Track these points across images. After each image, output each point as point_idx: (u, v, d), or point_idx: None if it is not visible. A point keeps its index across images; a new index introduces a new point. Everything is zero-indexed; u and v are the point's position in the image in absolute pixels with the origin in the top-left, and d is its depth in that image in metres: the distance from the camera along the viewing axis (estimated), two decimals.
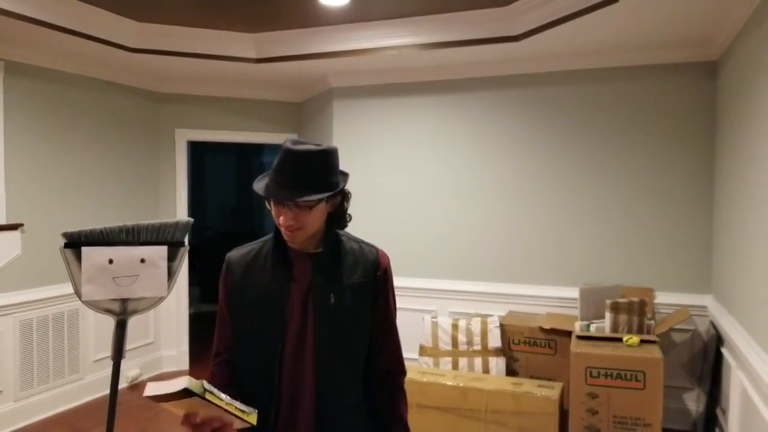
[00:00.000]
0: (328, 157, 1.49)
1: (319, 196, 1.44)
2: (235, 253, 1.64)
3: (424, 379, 3.70)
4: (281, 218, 1.45)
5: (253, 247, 1.64)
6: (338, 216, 1.60)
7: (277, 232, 1.56)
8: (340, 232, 1.64)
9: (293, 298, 1.53)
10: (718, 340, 3.56)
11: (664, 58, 3.98)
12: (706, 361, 3.88)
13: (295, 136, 5.63)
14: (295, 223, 1.46)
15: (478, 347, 4.02)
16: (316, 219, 1.50)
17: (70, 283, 1.78)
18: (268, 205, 1.51)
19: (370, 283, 1.58)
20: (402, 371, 1.68)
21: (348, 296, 1.54)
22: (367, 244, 1.65)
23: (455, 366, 4.04)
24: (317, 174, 1.46)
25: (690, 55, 3.92)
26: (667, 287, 4.02)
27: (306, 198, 1.42)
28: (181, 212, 5.38)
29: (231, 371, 1.60)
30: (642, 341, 3.37)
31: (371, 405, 1.62)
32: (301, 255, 1.56)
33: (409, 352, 4.39)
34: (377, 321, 1.61)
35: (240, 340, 1.58)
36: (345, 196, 1.60)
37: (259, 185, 1.50)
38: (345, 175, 1.57)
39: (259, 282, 1.56)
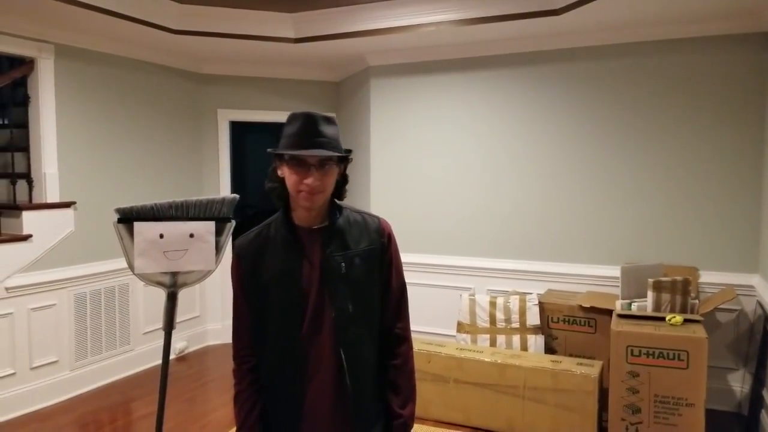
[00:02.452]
0: (335, 120, 1.60)
1: (343, 154, 1.56)
2: (243, 240, 1.67)
3: (462, 355, 3.73)
4: (309, 179, 1.49)
5: (259, 230, 1.67)
6: (341, 184, 1.65)
7: (285, 211, 1.62)
8: (342, 204, 1.69)
9: (307, 273, 1.58)
10: (766, 320, 3.48)
11: (713, 29, 3.84)
12: (752, 342, 3.80)
13: (333, 116, 5.66)
14: (320, 185, 1.51)
15: (516, 325, 4.03)
16: (332, 182, 1.58)
17: (121, 258, 1.86)
18: (278, 173, 1.57)
19: (377, 249, 1.65)
20: (405, 336, 1.72)
21: (358, 264, 1.61)
22: (369, 214, 1.72)
23: (493, 343, 4.06)
24: (332, 134, 1.55)
25: (741, 26, 3.77)
26: (712, 266, 3.93)
27: (337, 154, 1.52)
28: (224, 191, 5.51)
29: (257, 379, 1.65)
30: (686, 320, 3.31)
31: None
32: (309, 231, 1.61)
33: (446, 329, 4.44)
34: (385, 285, 1.68)
35: (260, 324, 1.62)
36: (348, 163, 1.66)
37: (292, 148, 1.53)
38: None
39: (272, 264, 1.60)
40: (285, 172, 1.55)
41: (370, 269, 1.65)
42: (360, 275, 1.62)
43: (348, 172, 1.68)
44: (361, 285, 1.62)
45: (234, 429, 1.65)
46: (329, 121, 1.57)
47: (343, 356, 1.57)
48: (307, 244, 1.60)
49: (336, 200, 1.67)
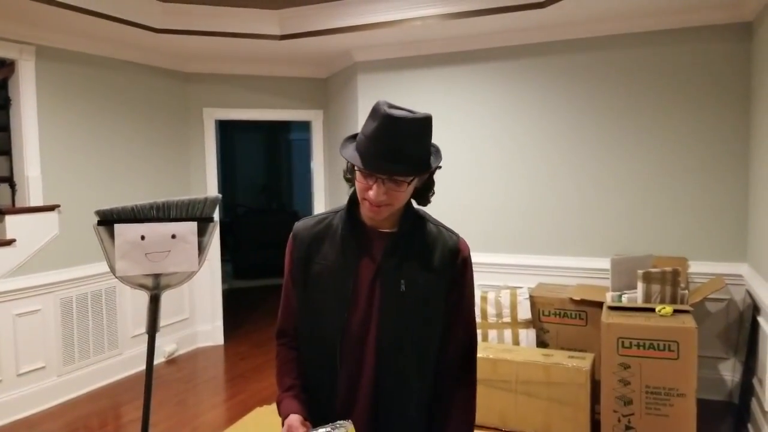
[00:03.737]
0: (428, 126, 1.33)
1: (419, 173, 1.33)
2: (303, 224, 1.53)
3: None
4: (371, 192, 1.31)
5: (323, 217, 1.52)
6: (424, 192, 1.45)
7: (351, 205, 1.45)
8: (420, 212, 1.50)
9: (362, 277, 1.40)
10: (755, 309, 3.49)
11: (697, 20, 3.85)
12: (741, 331, 3.81)
13: (320, 113, 5.64)
14: (386, 199, 1.32)
15: (507, 319, 4.03)
16: (406, 195, 1.38)
17: (105, 261, 1.83)
18: (347, 175, 1.42)
19: (447, 272, 1.43)
20: (471, 380, 1.50)
21: (421, 284, 1.40)
22: (447, 229, 1.51)
23: (485, 338, 4.05)
24: (417, 145, 1.31)
25: (724, 16, 3.77)
26: (701, 256, 3.95)
27: (406, 174, 1.30)
28: (211, 190, 5.46)
29: (295, 352, 1.53)
30: (675, 311, 3.32)
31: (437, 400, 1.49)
32: (375, 233, 1.43)
33: None
34: (450, 318, 1.46)
35: (304, 313, 1.49)
36: (434, 172, 1.44)
37: (350, 153, 1.35)
38: (437, 149, 1.42)
39: (327, 255, 1.45)
40: (356, 175, 1.36)
41: (436, 294, 1.42)
42: (421, 298, 1.40)
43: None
44: (420, 310, 1.40)
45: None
46: (417, 125, 1.30)
47: (381, 389, 1.39)
48: (369, 246, 1.42)
49: (413, 206, 1.47)
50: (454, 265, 1.44)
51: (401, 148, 1.27)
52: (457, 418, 1.47)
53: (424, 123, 1.31)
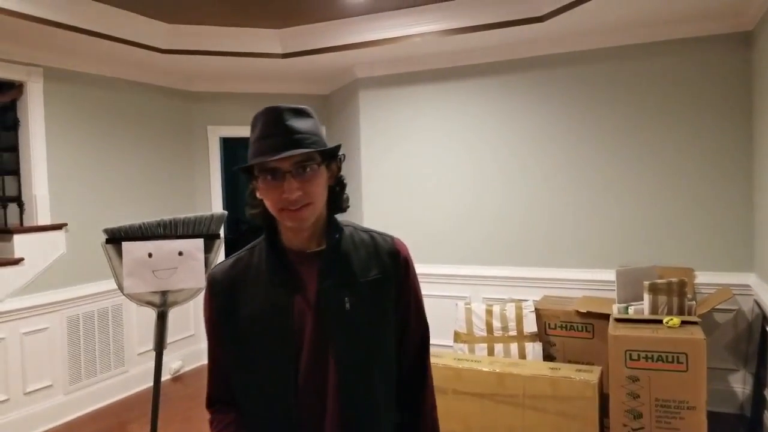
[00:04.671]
0: (308, 110, 1.26)
1: (324, 149, 1.23)
2: (219, 269, 1.34)
3: (460, 366, 3.70)
4: (284, 194, 1.18)
5: (239, 257, 1.34)
6: (338, 192, 1.33)
7: (270, 232, 1.30)
8: (344, 222, 1.37)
9: (300, 311, 1.25)
10: (764, 319, 3.47)
11: (696, 30, 3.87)
12: (751, 342, 3.78)
13: (323, 129, 5.67)
14: (303, 195, 1.19)
15: (513, 332, 4.01)
16: (322, 190, 1.25)
17: (113, 278, 1.85)
18: (255, 195, 1.26)
19: (390, 277, 1.32)
20: (427, 393, 1.42)
21: (366, 297, 1.28)
22: (380, 233, 1.38)
23: (491, 352, 4.03)
24: (312, 129, 1.23)
25: (723, 26, 3.80)
26: (708, 266, 3.93)
27: (314, 150, 1.20)
28: (216, 208, 5.49)
29: (233, 415, 1.33)
30: (683, 322, 3.30)
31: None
32: (303, 256, 1.28)
33: (443, 339, 4.41)
34: (402, 325, 1.36)
35: (241, 373, 1.29)
36: (341, 164, 1.33)
37: (258, 157, 1.20)
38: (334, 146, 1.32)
39: (254, 297, 1.27)
40: (261, 190, 1.23)
41: (383, 305, 1.30)
42: (369, 313, 1.28)
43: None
44: (371, 326, 1.28)
45: None
46: (300, 113, 1.23)
47: (350, 423, 1.24)
48: (301, 273, 1.27)
49: (335, 216, 1.34)
50: (396, 268, 1.33)
51: (294, 131, 1.19)
52: (426, 425, 1.42)
53: (305, 109, 1.25)
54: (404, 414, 1.38)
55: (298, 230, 1.26)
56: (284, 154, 1.16)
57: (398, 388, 1.36)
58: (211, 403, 1.38)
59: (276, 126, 1.20)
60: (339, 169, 1.32)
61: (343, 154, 1.32)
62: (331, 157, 1.28)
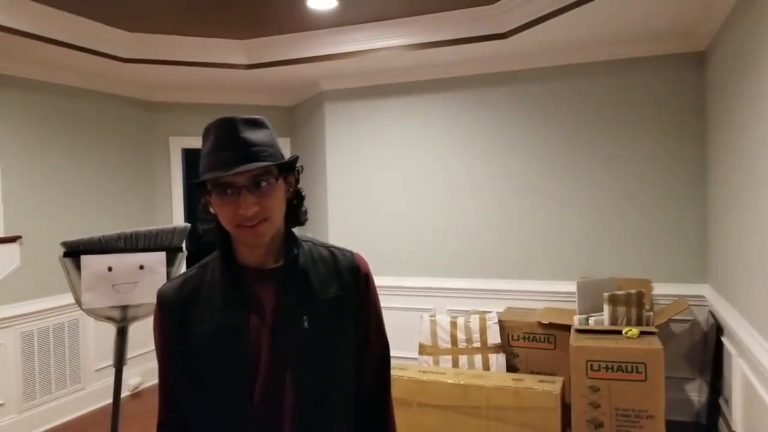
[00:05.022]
0: (263, 121, 1.22)
1: (280, 162, 1.18)
2: (168, 287, 1.28)
3: (425, 378, 3.71)
4: (240, 209, 1.13)
5: (190, 274, 1.29)
6: (296, 205, 1.29)
7: (224, 248, 1.25)
8: (303, 237, 1.34)
9: (256, 331, 1.20)
10: (718, 329, 3.58)
11: (652, 50, 4.01)
12: (706, 351, 3.89)
13: (287, 141, 5.65)
14: (260, 211, 1.15)
15: (477, 344, 4.04)
16: (280, 204, 1.21)
17: (70, 293, 1.80)
18: (208, 209, 1.22)
19: (351, 293, 1.28)
20: (388, 414, 1.38)
21: (325, 315, 1.24)
22: (339, 249, 1.34)
23: (455, 364, 4.05)
24: (267, 141, 1.19)
25: (677, 46, 3.94)
26: (664, 278, 4.04)
27: (270, 163, 1.15)
28: (177, 220, 5.39)
29: None
30: (641, 333, 3.38)
31: None
32: (258, 273, 1.24)
33: (408, 352, 4.41)
34: (362, 343, 1.32)
35: (193, 397, 1.23)
36: (298, 175, 1.28)
37: (210, 173, 1.15)
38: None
39: (206, 317, 1.21)
40: (215, 205, 1.18)
41: (343, 323, 1.26)
42: (329, 332, 1.24)
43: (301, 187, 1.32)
44: (330, 345, 1.24)
45: None
46: (255, 123, 1.19)
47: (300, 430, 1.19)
48: (256, 291, 1.22)
49: (292, 230, 1.31)
50: (356, 284, 1.30)
51: (248, 144, 1.14)
52: None
53: (259, 119, 1.20)
54: (365, 430, 1.34)
55: (254, 246, 1.22)
56: (239, 169, 1.11)
57: (357, 408, 1.32)
58: (163, 429, 1.31)
59: (229, 138, 1.15)
60: (297, 181, 1.28)
61: (301, 166, 1.29)
62: (289, 169, 1.23)
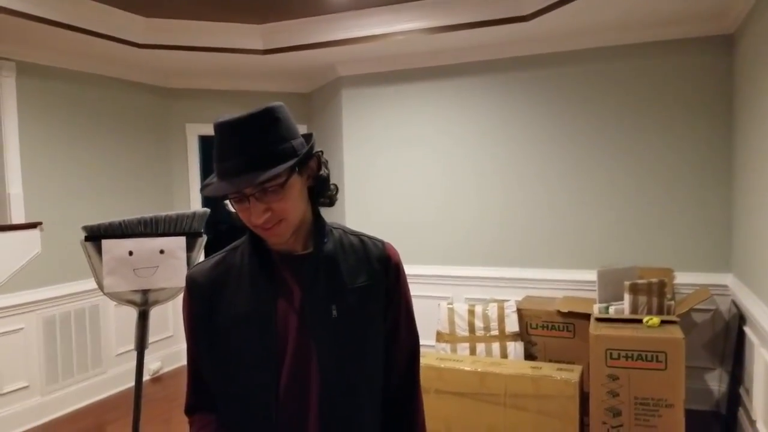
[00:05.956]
0: (275, 114, 1.13)
1: (286, 165, 1.09)
2: (199, 269, 1.26)
3: (442, 365, 3.70)
4: (252, 217, 1.12)
5: (221, 256, 1.27)
6: (321, 189, 1.24)
7: (253, 233, 1.22)
8: (334, 224, 1.31)
9: (284, 317, 1.19)
10: (741, 319, 3.52)
11: (679, 33, 3.91)
12: (728, 341, 3.84)
13: (304, 128, 5.63)
14: (272, 215, 1.12)
15: (495, 332, 4.02)
16: (295, 201, 1.16)
17: (91, 279, 1.80)
18: (232, 207, 1.17)
19: (381, 284, 1.26)
20: (417, 407, 1.38)
21: (354, 305, 1.22)
22: (370, 237, 1.32)
23: (473, 351, 4.04)
24: (272, 140, 1.11)
25: (705, 29, 3.85)
26: (686, 267, 3.98)
27: (270, 173, 1.07)
28: (194, 206, 5.42)
29: (213, 416, 1.27)
30: (662, 322, 3.34)
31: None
32: (288, 259, 1.22)
33: (426, 339, 4.40)
34: (392, 335, 1.31)
35: (220, 382, 1.23)
36: (320, 159, 1.22)
37: (210, 188, 1.14)
38: (308, 135, 1.20)
39: (235, 301, 1.20)
40: (233, 207, 1.17)
41: (372, 313, 1.24)
42: (357, 322, 1.21)
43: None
44: (358, 335, 1.22)
45: None
46: (261, 119, 1.11)
47: (324, 423, 1.17)
48: (285, 277, 1.21)
49: (322, 216, 1.27)
50: (386, 274, 1.28)
51: (251, 151, 1.09)
52: None
53: (266, 114, 1.12)
54: (393, 427, 1.33)
55: (275, 244, 1.21)
56: (239, 187, 1.08)
57: (385, 403, 1.31)
58: (191, 411, 1.32)
59: (230, 147, 1.10)
60: (319, 167, 1.21)
61: (320, 151, 1.22)
62: (301, 162, 1.15)
